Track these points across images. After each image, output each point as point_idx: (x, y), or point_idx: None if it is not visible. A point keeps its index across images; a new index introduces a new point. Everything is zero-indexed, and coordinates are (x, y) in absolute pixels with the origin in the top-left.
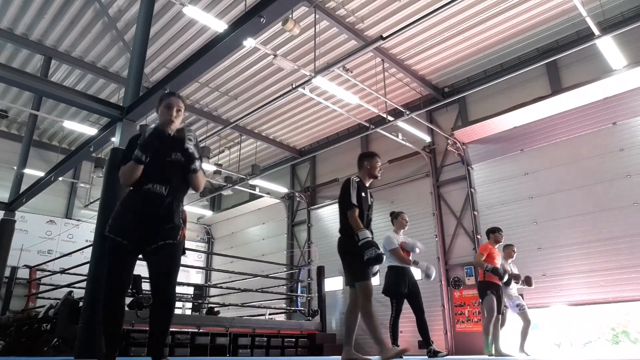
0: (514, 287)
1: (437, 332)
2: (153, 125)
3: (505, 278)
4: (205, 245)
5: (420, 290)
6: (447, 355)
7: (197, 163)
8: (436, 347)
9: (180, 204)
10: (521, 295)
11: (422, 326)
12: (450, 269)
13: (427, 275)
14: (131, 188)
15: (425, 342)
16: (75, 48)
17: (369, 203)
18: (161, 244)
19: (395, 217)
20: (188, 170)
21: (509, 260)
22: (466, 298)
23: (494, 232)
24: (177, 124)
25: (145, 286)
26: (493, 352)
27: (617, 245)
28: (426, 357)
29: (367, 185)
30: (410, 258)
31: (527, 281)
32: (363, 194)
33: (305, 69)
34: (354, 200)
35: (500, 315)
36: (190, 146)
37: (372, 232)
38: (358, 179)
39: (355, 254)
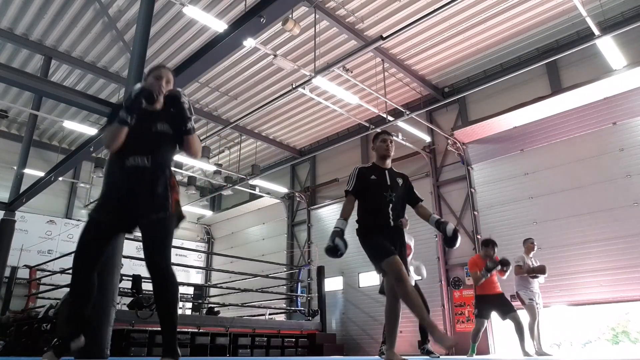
0: (534, 283)
1: None
2: (140, 85)
3: (492, 265)
4: (205, 245)
5: (420, 288)
6: (439, 356)
7: (191, 123)
8: (431, 347)
9: (165, 172)
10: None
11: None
12: (450, 269)
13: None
14: (113, 162)
15: (422, 339)
16: (75, 48)
17: (388, 183)
18: (151, 219)
19: None
20: (182, 132)
21: (530, 254)
22: (466, 298)
23: (486, 246)
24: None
25: (145, 286)
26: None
27: (617, 245)
28: (426, 357)
29: (385, 165)
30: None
31: (540, 270)
32: (373, 177)
33: (305, 69)
34: (349, 187)
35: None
36: (186, 101)
37: (400, 209)
38: (360, 166)
39: (364, 240)
